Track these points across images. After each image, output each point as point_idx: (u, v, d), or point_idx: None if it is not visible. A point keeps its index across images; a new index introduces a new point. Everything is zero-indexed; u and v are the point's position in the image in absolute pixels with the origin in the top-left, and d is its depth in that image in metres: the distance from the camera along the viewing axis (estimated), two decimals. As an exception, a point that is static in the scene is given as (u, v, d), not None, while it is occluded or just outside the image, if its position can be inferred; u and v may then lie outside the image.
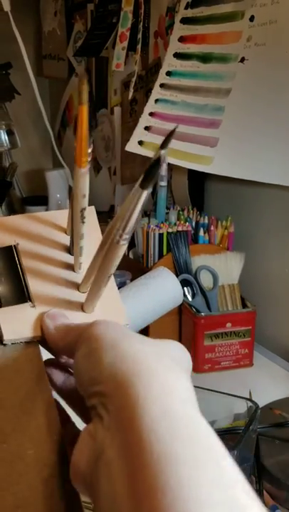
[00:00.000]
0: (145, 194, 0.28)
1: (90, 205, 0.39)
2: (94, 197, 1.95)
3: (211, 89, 1.03)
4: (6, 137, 1.67)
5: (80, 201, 0.33)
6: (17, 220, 0.44)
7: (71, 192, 0.38)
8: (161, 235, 0.98)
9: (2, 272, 0.40)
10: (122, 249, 0.32)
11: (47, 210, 1.61)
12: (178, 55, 1.09)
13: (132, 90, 1.28)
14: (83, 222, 0.36)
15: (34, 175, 1.97)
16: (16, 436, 0.33)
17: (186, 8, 1.09)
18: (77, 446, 0.29)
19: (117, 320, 0.40)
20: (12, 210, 1.74)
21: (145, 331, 0.96)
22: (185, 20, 1.08)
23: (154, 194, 1.18)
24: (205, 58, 1.04)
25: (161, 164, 0.27)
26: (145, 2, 1.24)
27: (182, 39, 1.09)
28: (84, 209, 0.35)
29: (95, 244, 0.42)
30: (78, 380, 0.31)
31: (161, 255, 0.99)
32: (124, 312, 0.41)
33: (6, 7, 1.34)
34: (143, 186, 0.28)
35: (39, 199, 1.74)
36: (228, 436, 0.71)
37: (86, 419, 0.35)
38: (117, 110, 1.45)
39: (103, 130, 1.60)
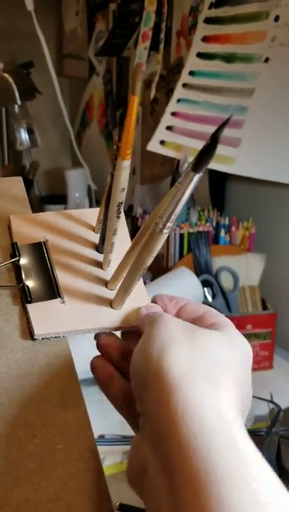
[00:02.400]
0: (197, 178, 0.28)
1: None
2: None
3: (234, 89, 1.02)
4: (27, 136, 1.68)
5: (118, 195, 0.34)
6: (47, 216, 0.44)
7: (104, 189, 0.38)
8: (181, 235, 0.98)
9: (32, 267, 0.40)
10: (163, 238, 0.31)
11: (65, 209, 1.62)
12: (201, 55, 1.09)
13: (153, 90, 1.28)
14: (118, 217, 0.36)
15: (53, 174, 1.98)
16: (47, 430, 0.33)
17: (209, 8, 1.08)
18: (129, 455, 0.30)
19: (145, 317, 0.40)
20: (31, 209, 1.74)
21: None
22: (209, 20, 1.08)
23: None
24: (228, 58, 1.04)
25: (216, 148, 0.27)
26: (168, 2, 1.24)
27: (206, 39, 1.09)
28: (121, 203, 0.35)
29: (122, 243, 0.42)
30: (131, 380, 0.32)
31: (181, 255, 0.98)
32: (152, 309, 0.41)
33: (30, 7, 1.35)
34: (195, 169, 0.27)
35: (58, 198, 1.75)
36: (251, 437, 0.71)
37: (135, 424, 0.35)
38: (138, 110, 1.44)
39: (123, 130, 1.60)
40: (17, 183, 0.47)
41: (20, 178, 0.47)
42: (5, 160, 1.68)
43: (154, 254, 0.34)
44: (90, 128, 1.86)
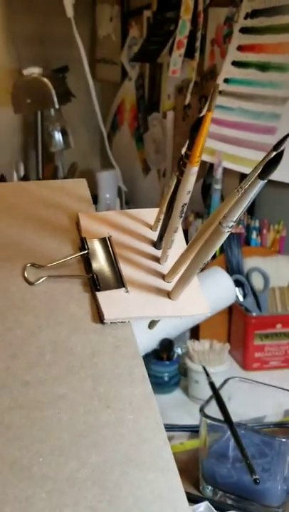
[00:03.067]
0: (262, 184, 0.32)
1: (139, 205, 0.43)
2: (142, 197, 2.01)
3: (267, 96, 1.06)
4: (61, 138, 1.74)
5: (183, 196, 0.38)
6: (110, 215, 0.49)
7: (167, 191, 0.43)
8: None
9: (99, 260, 0.45)
10: (226, 236, 0.36)
11: (96, 210, 1.67)
12: (236, 64, 1.13)
13: (188, 96, 1.33)
14: (181, 217, 0.40)
15: (83, 175, 2.03)
16: (118, 402, 0.38)
17: (245, 18, 1.13)
18: None
19: (200, 308, 0.45)
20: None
21: (196, 329, 1.00)
22: (244, 30, 1.12)
23: (206, 196, 1.22)
24: (263, 67, 1.08)
25: (280, 159, 0.31)
26: (204, 11, 1.28)
27: (241, 48, 1.13)
28: (185, 204, 0.39)
29: (179, 241, 0.46)
30: None
31: (214, 256, 1.03)
32: (206, 301, 0.46)
33: (70, 13, 1.40)
34: (262, 177, 0.32)
35: (89, 198, 1.80)
36: (280, 429, 0.75)
37: None
38: (170, 114, 1.49)
39: (154, 133, 1.65)
40: (82, 184, 0.52)
41: (84, 180, 0.52)
42: (39, 161, 1.74)
43: (215, 249, 0.38)
44: (121, 131, 1.91)
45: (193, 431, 0.76)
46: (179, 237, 0.46)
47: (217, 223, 0.36)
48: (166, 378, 0.88)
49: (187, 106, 1.41)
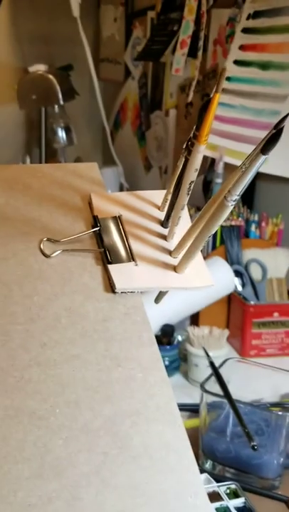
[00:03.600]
0: (263, 159, 0.35)
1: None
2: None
3: (268, 94, 1.10)
4: (64, 134, 1.78)
5: (191, 174, 0.41)
6: (120, 195, 0.53)
7: (175, 171, 0.46)
8: (215, 228, 1.05)
9: (110, 236, 0.49)
10: (229, 210, 0.39)
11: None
12: (238, 62, 1.17)
13: (191, 94, 1.36)
14: (188, 194, 0.44)
15: (85, 172, 2.06)
16: (128, 362, 0.41)
17: (247, 18, 1.16)
18: None
19: (204, 281, 0.48)
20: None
21: (196, 316, 1.03)
22: (246, 30, 1.16)
23: (207, 190, 1.26)
24: (264, 66, 1.11)
25: (280, 135, 0.34)
26: (207, 12, 1.32)
27: (242, 47, 1.17)
28: (192, 181, 0.42)
29: (184, 220, 0.50)
30: None
31: (214, 247, 1.06)
32: (209, 274, 0.49)
33: (76, 13, 1.44)
34: (264, 152, 0.35)
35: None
36: (277, 409, 0.78)
37: None
38: (173, 112, 1.53)
39: (156, 131, 1.68)
40: (94, 168, 0.55)
41: (96, 164, 0.55)
42: (42, 157, 1.78)
43: (220, 222, 0.42)
44: (123, 129, 1.94)
45: (193, 410, 0.79)
46: (185, 215, 0.49)
47: (222, 198, 0.40)
48: (166, 362, 0.92)
49: (189, 104, 1.45)
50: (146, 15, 1.67)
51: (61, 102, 1.60)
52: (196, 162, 0.41)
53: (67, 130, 1.78)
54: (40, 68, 1.63)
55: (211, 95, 0.37)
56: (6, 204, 0.49)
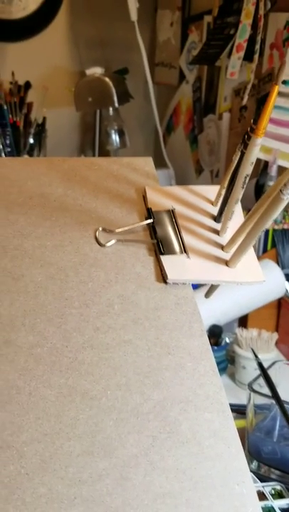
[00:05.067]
0: None
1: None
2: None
3: None
4: (117, 138, 1.80)
5: (247, 167, 0.42)
6: (174, 189, 0.53)
7: (230, 164, 0.47)
8: (267, 231, 1.04)
9: (163, 228, 0.49)
10: (284, 204, 0.39)
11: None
12: (295, 65, 1.16)
13: (246, 97, 1.36)
14: (243, 188, 0.44)
15: (137, 174, 2.08)
16: (178, 351, 0.42)
17: (306, 21, 1.15)
18: None
19: (255, 276, 0.48)
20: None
21: (244, 319, 1.03)
22: (304, 33, 1.15)
23: (259, 194, 1.25)
24: None
25: None
26: (264, 16, 1.31)
27: (300, 50, 1.15)
28: (248, 175, 0.43)
29: (237, 215, 0.50)
30: None
31: (265, 250, 1.05)
32: (260, 270, 0.49)
33: (133, 17, 1.46)
34: None
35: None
36: None
37: None
38: (226, 116, 1.53)
39: (209, 134, 1.68)
40: (148, 162, 0.56)
41: (150, 158, 0.56)
42: (96, 158, 1.81)
43: (274, 217, 0.42)
44: (176, 132, 1.95)
45: (239, 411, 0.78)
46: (238, 209, 0.50)
47: (277, 191, 0.40)
48: (213, 363, 0.91)
49: (243, 107, 1.44)
50: (203, 19, 1.67)
51: (116, 105, 1.63)
52: (253, 155, 0.41)
53: (121, 133, 1.81)
54: (97, 71, 1.67)
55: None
56: (65, 195, 0.51)
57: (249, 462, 0.68)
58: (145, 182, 0.54)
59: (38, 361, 0.39)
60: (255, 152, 0.41)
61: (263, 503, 0.58)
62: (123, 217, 0.51)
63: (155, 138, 1.99)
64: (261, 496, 0.59)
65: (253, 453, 0.68)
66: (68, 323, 0.41)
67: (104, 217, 0.50)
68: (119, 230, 0.49)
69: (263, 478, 0.63)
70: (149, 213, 0.50)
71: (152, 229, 0.49)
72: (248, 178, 0.44)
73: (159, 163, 1.97)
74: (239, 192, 0.45)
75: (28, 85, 1.60)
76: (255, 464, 0.67)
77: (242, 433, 0.72)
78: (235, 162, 0.45)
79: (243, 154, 0.43)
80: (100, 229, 0.49)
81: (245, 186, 0.44)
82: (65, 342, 0.40)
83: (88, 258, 0.46)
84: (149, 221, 0.50)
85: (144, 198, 0.52)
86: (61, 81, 1.83)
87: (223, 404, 0.40)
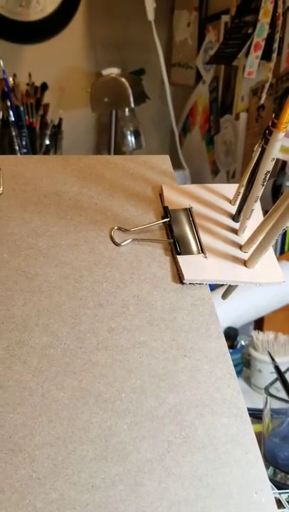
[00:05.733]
0: None
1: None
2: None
3: None
4: (133, 139, 1.80)
5: (268, 164, 0.40)
6: (191, 188, 0.52)
7: (247, 164, 0.45)
8: (284, 232, 1.02)
9: (180, 227, 0.48)
10: (306, 202, 0.38)
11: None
12: (314, 64, 1.14)
13: (263, 96, 1.34)
14: (263, 185, 0.43)
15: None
16: (194, 353, 0.41)
17: None
18: None
19: (275, 277, 0.47)
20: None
21: (260, 322, 1.01)
22: None
23: (277, 195, 1.23)
24: None
25: None
26: (283, 14, 1.30)
27: None
28: (268, 172, 0.41)
29: (257, 214, 0.48)
30: None
31: (282, 251, 1.03)
32: (280, 270, 0.48)
33: (150, 17, 1.46)
34: None
35: (157, 197, 1.84)
36: None
37: None
38: (243, 116, 1.51)
39: (225, 135, 1.67)
40: (165, 160, 0.55)
41: (167, 157, 0.55)
42: (111, 159, 1.80)
43: (295, 215, 0.40)
44: (192, 133, 1.94)
45: (255, 416, 0.77)
46: (257, 208, 0.48)
47: (298, 189, 0.38)
48: (229, 366, 0.90)
49: (261, 107, 1.43)
50: (220, 19, 1.66)
51: (132, 106, 1.63)
52: (274, 151, 0.40)
53: (137, 134, 1.80)
54: (113, 71, 1.66)
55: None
56: (80, 193, 0.50)
57: (265, 468, 0.67)
58: (162, 180, 0.53)
59: (51, 362, 0.38)
60: (277, 147, 0.40)
61: (280, 511, 0.56)
62: (139, 215, 0.50)
63: (171, 139, 1.98)
64: (278, 503, 0.58)
65: (269, 459, 0.66)
66: (82, 324, 0.41)
67: (119, 216, 0.49)
68: (135, 229, 0.48)
69: (279, 485, 0.61)
70: (166, 212, 0.49)
71: (169, 228, 0.48)
72: (268, 175, 0.42)
73: (175, 164, 1.95)
74: (259, 189, 0.43)
75: (44, 87, 1.60)
76: (271, 470, 0.66)
77: (258, 438, 0.70)
78: (255, 159, 0.44)
79: (263, 150, 0.41)
80: (116, 228, 0.48)
81: (265, 184, 0.43)
82: (78, 343, 0.39)
83: (103, 257, 0.45)
84: (166, 220, 0.48)
85: (161, 196, 0.51)
86: (77, 82, 1.83)
87: (241, 409, 0.38)
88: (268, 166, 0.41)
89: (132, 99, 1.60)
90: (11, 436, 0.34)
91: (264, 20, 1.34)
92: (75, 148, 1.86)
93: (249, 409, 0.81)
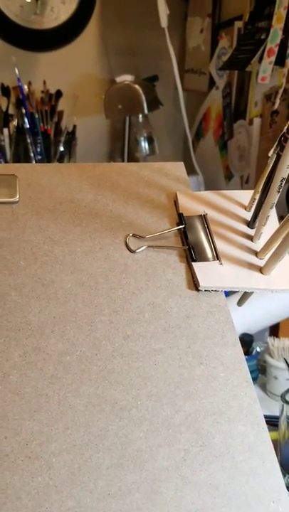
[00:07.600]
0: None
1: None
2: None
3: None
4: (146, 145, 1.80)
5: (283, 170, 0.40)
6: (206, 194, 0.52)
7: (262, 170, 0.45)
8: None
9: (195, 234, 0.48)
10: None
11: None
12: None
13: (277, 102, 1.34)
14: (279, 192, 0.42)
15: (166, 181, 2.08)
16: (210, 361, 0.41)
17: None
18: None
19: (290, 283, 0.47)
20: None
21: (276, 328, 1.00)
22: None
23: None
24: None
25: None
26: (296, 19, 1.29)
27: None
28: (284, 179, 0.41)
29: (272, 221, 0.48)
30: None
31: (297, 257, 1.02)
32: (297, 278, 0.47)
33: (164, 23, 1.46)
34: None
35: (171, 203, 1.84)
36: None
37: None
38: (257, 121, 1.51)
39: (239, 140, 1.66)
40: (180, 167, 0.55)
41: (182, 163, 0.55)
42: (125, 165, 1.81)
43: (312, 222, 0.40)
44: (205, 139, 1.94)
45: (271, 423, 0.76)
46: (273, 214, 0.48)
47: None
48: (244, 373, 0.89)
49: (275, 112, 1.42)
50: (233, 25, 1.66)
51: (146, 112, 1.63)
52: (289, 157, 0.39)
53: (150, 140, 1.81)
54: (126, 78, 1.67)
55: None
56: (95, 200, 0.50)
57: (282, 476, 0.66)
58: (176, 187, 0.53)
59: (67, 369, 0.38)
60: (292, 155, 0.39)
61: (298, 520, 0.55)
62: (154, 222, 0.50)
63: (184, 144, 1.98)
64: (296, 512, 0.57)
65: (286, 466, 0.65)
66: (98, 331, 0.41)
67: (134, 223, 0.49)
68: (150, 235, 0.48)
69: (297, 494, 0.61)
70: (181, 219, 0.49)
71: (184, 235, 0.48)
72: (284, 182, 0.42)
73: (189, 170, 1.95)
74: (274, 196, 0.43)
75: (59, 94, 1.61)
76: (288, 478, 0.65)
77: (274, 445, 0.70)
78: (271, 165, 0.44)
79: (279, 157, 0.41)
80: (131, 235, 0.48)
81: (281, 190, 0.43)
82: (94, 350, 0.39)
83: (118, 265, 0.45)
84: (181, 227, 0.48)
85: (176, 203, 0.51)
86: (91, 89, 1.84)
87: (258, 417, 0.38)
88: (284, 172, 0.41)
89: (145, 106, 1.61)
90: (27, 443, 0.35)
91: (277, 26, 1.34)
92: (88, 154, 1.87)
93: (265, 417, 0.80)
